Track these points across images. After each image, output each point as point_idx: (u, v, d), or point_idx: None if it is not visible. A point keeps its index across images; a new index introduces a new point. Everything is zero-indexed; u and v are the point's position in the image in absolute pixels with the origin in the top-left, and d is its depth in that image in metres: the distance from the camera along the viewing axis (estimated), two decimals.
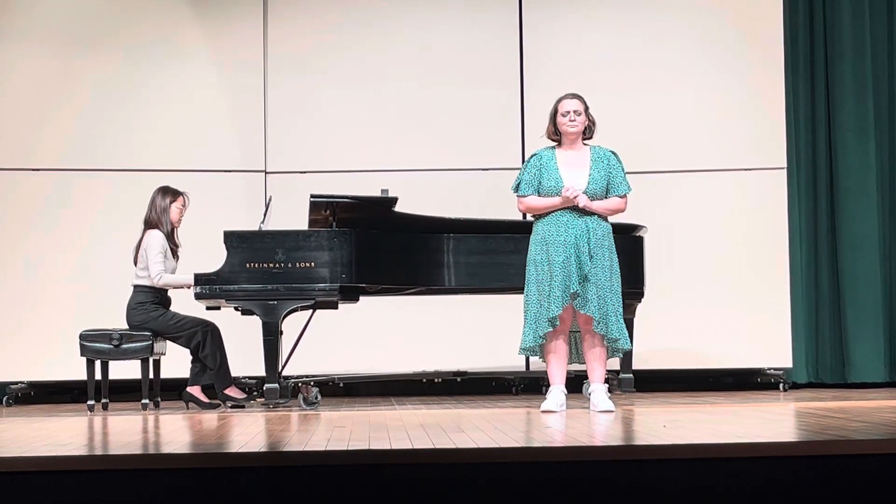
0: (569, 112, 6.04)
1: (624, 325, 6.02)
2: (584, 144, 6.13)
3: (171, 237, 7.13)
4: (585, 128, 6.09)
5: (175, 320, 7.02)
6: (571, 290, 5.88)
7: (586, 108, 6.09)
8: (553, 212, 6.01)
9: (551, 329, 5.92)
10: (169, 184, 7.25)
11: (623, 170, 6.11)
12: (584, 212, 5.98)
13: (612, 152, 6.12)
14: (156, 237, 7.03)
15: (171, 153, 8.64)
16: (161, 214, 7.09)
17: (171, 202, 7.12)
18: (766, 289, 8.59)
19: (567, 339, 6.07)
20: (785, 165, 8.73)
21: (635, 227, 7.15)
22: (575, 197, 5.92)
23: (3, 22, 8.64)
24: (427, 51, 8.86)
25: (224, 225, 6.94)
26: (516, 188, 6.15)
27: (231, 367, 7.13)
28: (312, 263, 6.69)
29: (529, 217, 6.41)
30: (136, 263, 7.10)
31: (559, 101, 6.12)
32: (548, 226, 6.01)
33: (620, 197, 6.07)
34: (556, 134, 6.10)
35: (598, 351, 6.02)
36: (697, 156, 8.74)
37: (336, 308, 6.95)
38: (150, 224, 7.11)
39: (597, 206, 5.99)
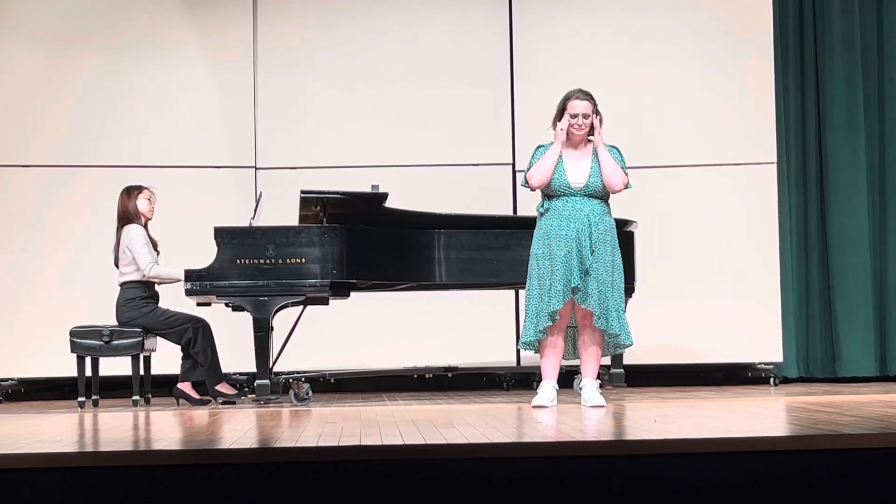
0: (577, 116, 5.97)
1: (626, 321, 6.00)
2: (588, 140, 6.09)
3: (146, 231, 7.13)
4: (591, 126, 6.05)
5: (166, 317, 7.01)
6: (572, 285, 5.87)
7: (595, 109, 6.02)
8: (556, 204, 5.96)
9: (551, 323, 5.91)
10: (132, 182, 7.25)
11: (625, 164, 6.07)
12: (587, 204, 5.95)
13: (614, 147, 6.08)
14: (135, 230, 7.02)
15: (162, 149, 8.63)
16: (132, 210, 7.08)
17: (137, 196, 7.11)
18: (757, 283, 8.60)
19: (563, 335, 6.06)
20: (775, 160, 8.74)
21: (626, 223, 7.14)
22: (562, 129, 5.93)
23: None
24: (417, 47, 8.85)
25: (214, 221, 6.93)
26: (525, 176, 6.11)
27: (222, 363, 7.13)
28: (303, 259, 6.68)
29: (522, 213, 6.39)
30: (117, 264, 7.09)
31: (569, 99, 6.01)
32: (550, 220, 5.98)
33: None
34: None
35: (594, 347, 6.01)
36: (687, 151, 8.75)
37: (327, 304, 6.95)
38: (124, 220, 7.09)
39: (602, 148, 5.96)
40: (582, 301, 5.89)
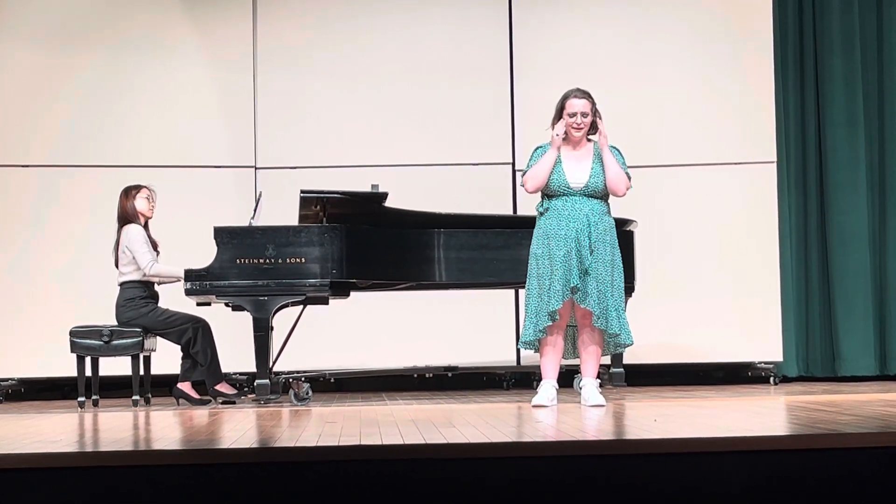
0: (576, 114, 5.96)
1: (626, 321, 5.99)
2: (588, 140, 6.09)
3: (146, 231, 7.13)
4: (591, 124, 6.04)
5: (165, 316, 7.01)
6: (571, 284, 5.86)
7: (593, 107, 6.01)
8: (555, 204, 5.96)
9: (551, 323, 5.90)
10: (131, 182, 7.25)
11: (625, 164, 6.07)
12: (587, 203, 5.95)
13: (614, 147, 6.07)
14: (134, 230, 7.02)
15: (161, 149, 8.63)
16: (130, 210, 7.08)
17: (135, 195, 7.11)
18: (757, 283, 8.61)
19: (563, 335, 6.05)
20: (775, 159, 8.74)
21: (626, 222, 7.15)
22: (558, 135, 5.92)
23: None
24: (417, 47, 8.85)
25: (214, 221, 6.93)
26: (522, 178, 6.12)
27: (222, 363, 7.12)
28: (303, 259, 6.68)
29: (522, 212, 6.39)
30: (117, 264, 7.09)
31: (566, 98, 6.00)
32: (549, 220, 5.98)
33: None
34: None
35: (594, 347, 6.00)
36: (687, 150, 8.75)
37: (327, 304, 6.95)
38: (124, 220, 7.09)
39: (608, 152, 5.95)
40: (581, 301, 5.89)
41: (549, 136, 6.05)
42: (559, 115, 6.02)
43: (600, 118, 6.03)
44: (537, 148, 6.10)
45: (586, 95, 6.00)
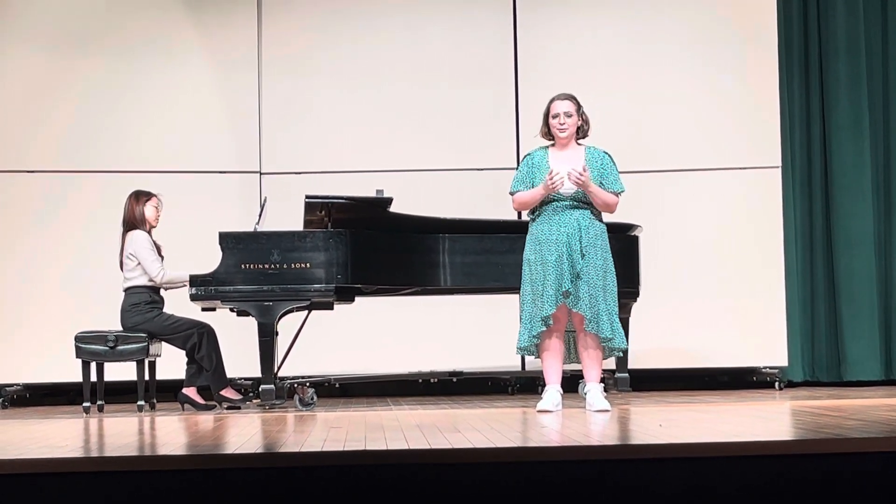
0: (559, 114, 6.00)
1: (619, 325, 5.98)
2: (579, 144, 6.10)
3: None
4: (578, 128, 6.06)
5: (170, 322, 7.01)
6: (564, 289, 5.86)
7: (578, 108, 6.04)
8: (546, 210, 5.98)
9: (545, 328, 5.91)
10: (141, 187, 7.24)
11: (616, 170, 6.08)
12: (577, 209, 5.95)
13: (606, 153, 6.09)
14: (140, 237, 7.01)
15: (166, 154, 8.64)
16: (138, 216, 7.08)
17: (145, 202, 7.11)
18: (762, 287, 8.60)
19: (562, 339, 6.05)
20: (780, 164, 8.74)
21: (630, 227, 7.15)
22: (553, 184, 5.88)
23: None
24: (422, 50, 8.86)
25: (219, 226, 6.94)
26: (511, 190, 6.15)
27: (227, 368, 7.12)
28: (308, 264, 6.69)
29: (525, 216, 6.40)
30: (122, 268, 7.08)
31: (551, 101, 6.07)
32: (541, 225, 5.99)
33: (614, 194, 6.04)
34: (549, 134, 6.08)
35: (594, 351, 6.00)
36: (692, 155, 8.75)
37: (332, 309, 6.95)
38: (129, 225, 7.09)
39: (594, 188, 5.92)
40: (573, 305, 5.89)
41: (540, 143, 6.09)
42: (546, 120, 6.05)
43: (585, 121, 6.05)
44: (526, 155, 6.14)
45: (569, 97, 6.06)
